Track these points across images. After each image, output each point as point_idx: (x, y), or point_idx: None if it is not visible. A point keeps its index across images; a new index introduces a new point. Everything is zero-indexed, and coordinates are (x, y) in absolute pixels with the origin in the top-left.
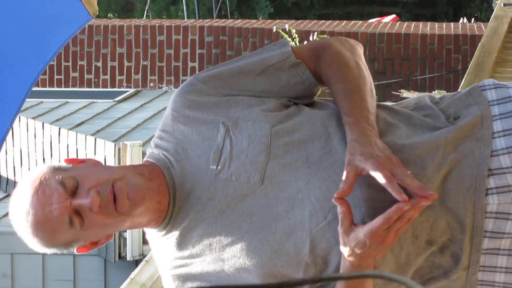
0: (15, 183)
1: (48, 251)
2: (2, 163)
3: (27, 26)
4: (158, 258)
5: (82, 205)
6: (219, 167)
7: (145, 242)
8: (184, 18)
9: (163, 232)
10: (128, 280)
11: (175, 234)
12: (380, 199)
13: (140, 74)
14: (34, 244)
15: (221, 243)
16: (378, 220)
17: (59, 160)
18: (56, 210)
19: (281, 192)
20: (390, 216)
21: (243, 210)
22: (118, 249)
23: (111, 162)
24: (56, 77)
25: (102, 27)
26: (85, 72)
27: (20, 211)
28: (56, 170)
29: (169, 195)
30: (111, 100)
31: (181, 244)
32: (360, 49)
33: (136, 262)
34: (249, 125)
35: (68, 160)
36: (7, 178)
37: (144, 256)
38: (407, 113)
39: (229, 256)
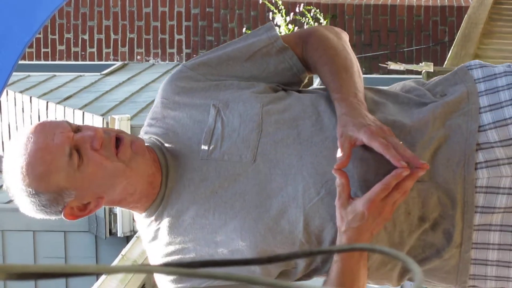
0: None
1: (37, 209)
2: None
3: None
4: (148, 246)
5: (84, 137)
6: (211, 147)
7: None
8: None
9: (153, 217)
10: (120, 256)
11: (166, 216)
12: (374, 172)
13: (127, 47)
14: (23, 195)
15: (214, 225)
16: (376, 187)
17: None
18: (58, 138)
19: (273, 169)
20: (389, 182)
21: (236, 189)
22: (108, 226)
23: None
24: (43, 50)
25: None
26: (72, 45)
27: (19, 144)
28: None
29: (161, 175)
30: (98, 74)
31: (173, 228)
32: (345, 36)
33: (127, 238)
34: (240, 105)
35: None
36: None
37: (135, 233)
38: (393, 92)
39: (222, 238)
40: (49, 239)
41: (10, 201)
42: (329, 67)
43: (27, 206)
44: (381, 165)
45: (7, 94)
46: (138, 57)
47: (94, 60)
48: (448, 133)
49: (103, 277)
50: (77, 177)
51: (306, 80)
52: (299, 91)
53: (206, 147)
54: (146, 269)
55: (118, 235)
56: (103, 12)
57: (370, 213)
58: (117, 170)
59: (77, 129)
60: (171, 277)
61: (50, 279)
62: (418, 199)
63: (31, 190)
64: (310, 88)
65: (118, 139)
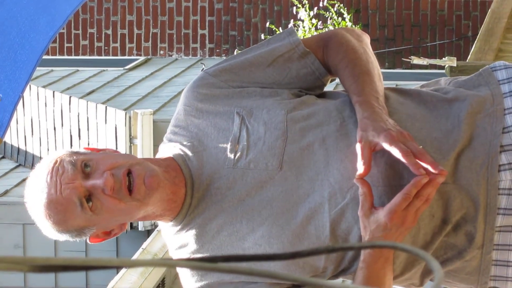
0: (26, 152)
1: (61, 237)
2: (13, 133)
3: None
4: (175, 254)
5: (94, 185)
6: (237, 156)
7: None
8: None
9: (180, 226)
10: (140, 250)
11: (194, 225)
12: (397, 177)
13: (150, 42)
14: (47, 228)
15: (242, 232)
16: (397, 198)
17: (70, 131)
18: (65, 191)
19: (300, 176)
20: (409, 191)
21: (263, 197)
22: None
23: (122, 130)
24: (66, 45)
25: None
26: (95, 40)
27: (35, 191)
28: (74, 153)
29: (185, 187)
30: (121, 68)
31: (200, 236)
32: (366, 38)
33: (148, 232)
34: (264, 113)
35: (88, 148)
36: (18, 148)
37: (156, 226)
38: (416, 91)
39: (250, 245)
40: None
41: None
42: (350, 71)
43: (52, 233)
44: (406, 170)
45: (30, 89)
46: (161, 52)
47: (117, 55)
48: (473, 135)
49: (123, 270)
50: (94, 219)
51: (328, 83)
52: (323, 94)
53: (232, 156)
54: (169, 263)
55: (139, 229)
56: (126, 7)
57: (392, 224)
58: (132, 209)
59: (83, 165)
60: (195, 273)
61: (72, 271)
62: (441, 201)
63: (54, 229)
64: (333, 90)
65: (130, 172)
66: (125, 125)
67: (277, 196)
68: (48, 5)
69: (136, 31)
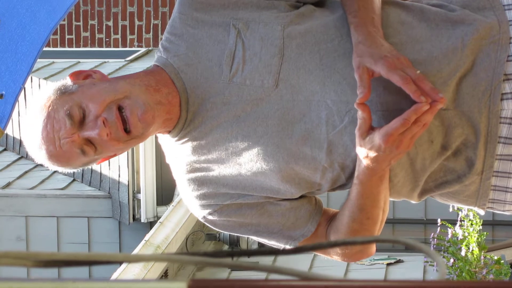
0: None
1: (70, 170)
2: (14, 125)
3: None
4: (172, 162)
5: (90, 137)
6: (232, 71)
7: (159, 203)
8: None
9: (177, 138)
10: (143, 242)
11: (190, 138)
12: (396, 101)
13: (151, 33)
14: (55, 168)
15: (237, 148)
16: (395, 122)
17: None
18: (65, 145)
19: (296, 95)
20: (408, 117)
21: (258, 114)
22: (132, 211)
23: None
24: (67, 37)
25: None
26: (96, 31)
27: (34, 144)
28: (62, 94)
29: (180, 102)
30: (123, 60)
31: (197, 148)
32: None
33: (151, 224)
34: (261, 27)
35: (73, 77)
36: (20, 140)
37: (159, 218)
38: (419, 7)
39: (245, 160)
40: (73, 225)
41: (34, 187)
42: None
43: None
44: (403, 94)
45: (31, 81)
46: None
47: (118, 47)
48: (476, 60)
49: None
50: (97, 156)
51: None
52: (322, 3)
53: (227, 70)
54: (173, 258)
55: (142, 220)
56: None
57: (387, 146)
58: (131, 145)
59: (81, 117)
60: (191, 183)
61: (76, 267)
62: (442, 127)
63: (60, 169)
64: None
65: (122, 108)
66: None
67: (272, 114)
68: None
69: (137, 22)
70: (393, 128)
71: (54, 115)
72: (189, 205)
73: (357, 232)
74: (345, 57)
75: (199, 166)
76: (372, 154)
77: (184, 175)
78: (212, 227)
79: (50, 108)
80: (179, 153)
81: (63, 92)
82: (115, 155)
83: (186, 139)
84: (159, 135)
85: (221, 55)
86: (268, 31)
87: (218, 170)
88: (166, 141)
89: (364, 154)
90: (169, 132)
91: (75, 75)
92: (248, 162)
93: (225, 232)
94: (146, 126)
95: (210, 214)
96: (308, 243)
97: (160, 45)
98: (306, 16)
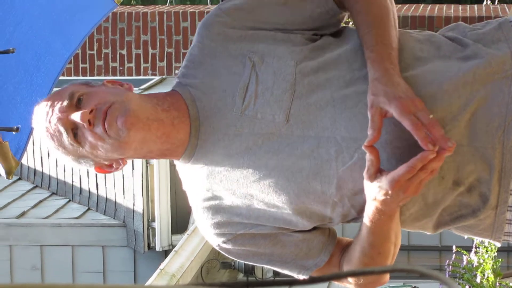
0: (42, 174)
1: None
2: (29, 154)
3: (53, 15)
4: (188, 189)
5: (75, 120)
6: (244, 104)
7: (174, 232)
8: (207, 4)
9: (190, 163)
10: (158, 270)
11: (203, 166)
12: (406, 138)
13: (165, 62)
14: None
15: (248, 180)
16: (401, 169)
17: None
18: (53, 120)
19: (306, 131)
20: (414, 164)
21: (269, 148)
22: (147, 240)
23: None
24: (81, 65)
25: (126, 14)
26: (110, 60)
27: (38, 116)
28: (83, 84)
29: (190, 129)
30: (137, 88)
31: (209, 177)
32: None
33: (166, 253)
34: (275, 61)
35: (109, 81)
36: (35, 169)
37: (174, 247)
38: (437, 41)
39: (257, 192)
40: (88, 254)
41: (49, 216)
42: (363, 17)
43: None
44: None
45: None
46: (176, 71)
47: (132, 75)
48: (489, 95)
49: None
50: (82, 151)
51: (344, 19)
52: (338, 33)
53: (240, 103)
54: None
55: (157, 249)
56: (141, 27)
57: (394, 192)
58: (114, 147)
59: (78, 99)
60: (206, 211)
61: None
62: (453, 163)
63: (58, 152)
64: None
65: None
66: None
67: (283, 148)
68: (63, 27)
69: (151, 51)
70: (399, 174)
71: (62, 93)
72: (204, 232)
73: (369, 266)
74: (356, 94)
75: (212, 194)
76: (380, 197)
77: (200, 203)
78: (226, 255)
79: (69, 88)
80: (194, 179)
81: (84, 82)
82: (111, 166)
83: (200, 165)
84: (176, 162)
85: (236, 86)
86: (282, 65)
87: (231, 200)
88: (182, 167)
89: (372, 196)
90: (179, 159)
91: (110, 81)
92: (259, 194)
93: (240, 261)
94: (123, 130)
95: (224, 242)
96: (321, 272)
97: (179, 72)
98: (321, 49)
